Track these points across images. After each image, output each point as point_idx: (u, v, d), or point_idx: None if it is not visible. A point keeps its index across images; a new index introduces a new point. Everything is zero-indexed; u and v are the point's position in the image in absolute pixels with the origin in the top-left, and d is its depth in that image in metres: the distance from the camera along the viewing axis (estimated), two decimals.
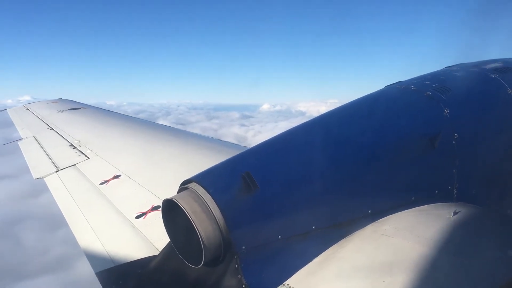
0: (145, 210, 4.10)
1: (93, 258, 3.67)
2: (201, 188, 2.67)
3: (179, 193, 2.79)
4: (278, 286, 2.54)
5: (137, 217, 4.05)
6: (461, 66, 3.98)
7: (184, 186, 2.82)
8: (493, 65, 3.85)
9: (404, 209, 2.94)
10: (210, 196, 2.61)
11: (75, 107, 11.02)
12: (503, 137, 3.53)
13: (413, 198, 3.01)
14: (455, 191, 3.17)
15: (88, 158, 6.32)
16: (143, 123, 9.18)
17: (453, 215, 2.69)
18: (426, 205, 3.00)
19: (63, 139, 7.76)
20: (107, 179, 5.20)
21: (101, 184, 5.13)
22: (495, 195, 3.56)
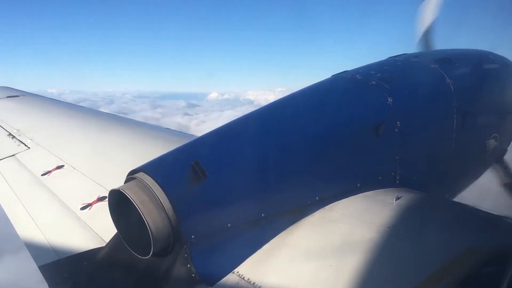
0: (90, 201, 3.98)
1: (36, 252, 3.54)
2: (149, 177, 2.62)
3: (126, 183, 2.73)
4: (228, 274, 2.56)
5: (82, 208, 3.93)
6: (403, 57, 4.13)
7: (131, 176, 2.76)
8: (433, 56, 4.02)
9: (351, 195, 3.03)
10: (158, 186, 2.56)
11: (13, 94, 10.44)
12: (442, 125, 3.70)
13: (358, 185, 3.10)
14: (398, 177, 3.30)
15: (29, 148, 6.03)
16: (87, 112, 8.86)
17: (395, 200, 2.81)
18: (371, 191, 3.10)
19: (1, 128, 7.37)
20: (50, 169, 5.00)
21: (43, 175, 4.92)
22: (434, 180, 3.75)
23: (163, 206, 2.52)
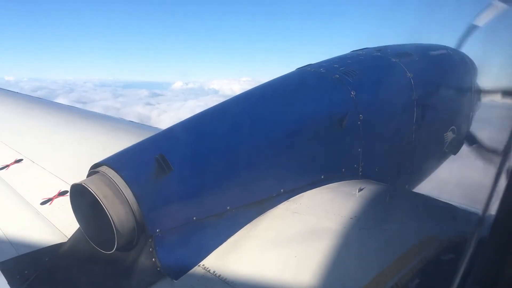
0: (51, 196, 3.88)
1: None
2: (113, 171, 2.59)
3: (89, 177, 2.68)
4: (193, 267, 2.56)
5: (42, 203, 3.83)
6: (366, 51, 4.21)
7: (94, 170, 2.71)
8: (394, 50, 4.12)
9: (315, 187, 3.08)
10: (122, 180, 2.53)
11: None
12: (403, 118, 3.80)
13: (322, 177, 3.16)
14: (360, 169, 3.37)
15: None
16: (47, 104, 8.59)
17: (358, 192, 2.88)
18: (334, 183, 3.17)
19: None
20: (8, 163, 4.84)
21: (0, 169, 4.77)
22: (395, 171, 3.85)
23: (127, 200, 2.50)
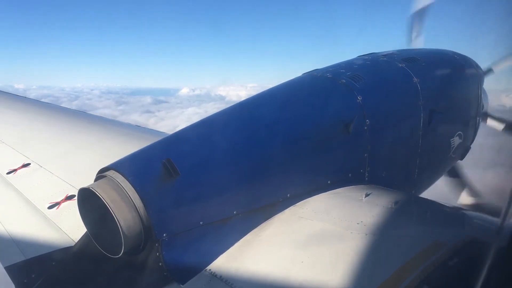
0: (58, 200, 3.90)
1: (2, 252, 3.45)
2: (120, 175, 2.60)
3: (97, 182, 2.69)
4: (200, 272, 2.57)
5: (50, 207, 3.85)
6: (372, 56, 4.21)
7: (101, 174, 2.72)
8: (400, 55, 4.12)
9: (321, 192, 3.08)
10: (129, 184, 2.54)
11: None
12: (409, 123, 3.80)
13: (328, 182, 3.16)
14: (367, 174, 3.37)
15: None
16: (54, 109, 8.63)
17: (365, 197, 2.87)
18: (340, 188, 3.16)
19: None
20: (15, 167, 4.87)
21: (8, 173, 4.79)
22: (402, 177, 3.84)
23: (134, 204, 2.50)
